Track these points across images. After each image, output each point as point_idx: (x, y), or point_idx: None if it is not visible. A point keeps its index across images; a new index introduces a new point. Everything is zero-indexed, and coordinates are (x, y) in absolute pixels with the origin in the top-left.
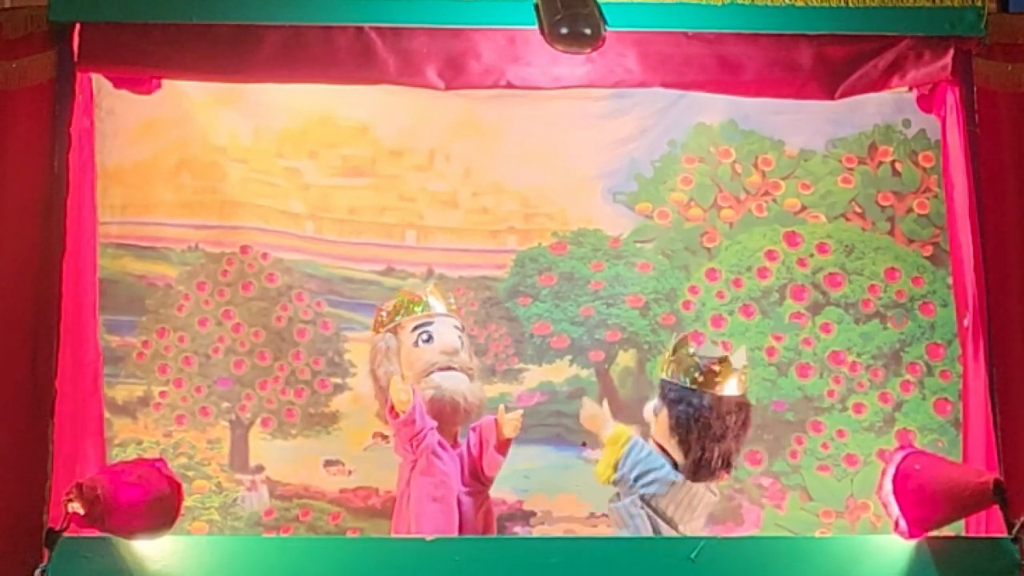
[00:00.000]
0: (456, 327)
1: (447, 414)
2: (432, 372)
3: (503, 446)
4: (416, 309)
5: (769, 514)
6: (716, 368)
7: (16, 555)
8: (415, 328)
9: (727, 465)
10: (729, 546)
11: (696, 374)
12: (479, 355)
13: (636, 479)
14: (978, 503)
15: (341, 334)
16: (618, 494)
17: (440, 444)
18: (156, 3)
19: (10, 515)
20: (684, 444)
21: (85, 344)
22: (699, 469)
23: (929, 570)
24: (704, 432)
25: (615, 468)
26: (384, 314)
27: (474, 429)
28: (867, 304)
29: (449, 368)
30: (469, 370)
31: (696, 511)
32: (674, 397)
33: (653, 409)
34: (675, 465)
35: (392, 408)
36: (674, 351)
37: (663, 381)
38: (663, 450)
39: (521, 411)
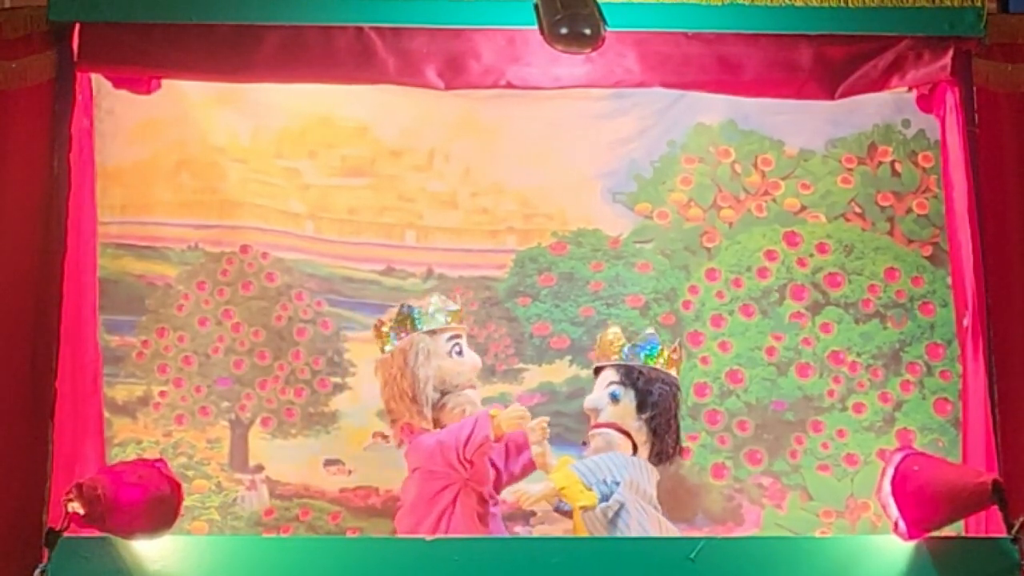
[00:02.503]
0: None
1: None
2: (464, 388)
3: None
4: (452, 317)
5: (769, 514)
6: (675, 353)
7: (16, 555)
8: (450, 338)
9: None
10: (729, 546)
11: (659, 357)
12: (479, 355)
13: (609, 477)
14: (977, 504)
15: (341, 334)
16: (604, 508)
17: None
18: (156, 3)
19: (10, 515)
20: (655, 423)
21: (85, 344)
22: (665, 448)
23: (929, 571)
24: (676, 411)
25: (589, 487)
26: (420, 312)
27: (502, 442)
28: (867, 304)
29: (472, 387)
30: None
31: (652, 483)
32: (650, 377)
33: (612, 395)
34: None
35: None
36: (611, 336)
37: (628, 365)
38: (620, 431)
39: (547, 419)
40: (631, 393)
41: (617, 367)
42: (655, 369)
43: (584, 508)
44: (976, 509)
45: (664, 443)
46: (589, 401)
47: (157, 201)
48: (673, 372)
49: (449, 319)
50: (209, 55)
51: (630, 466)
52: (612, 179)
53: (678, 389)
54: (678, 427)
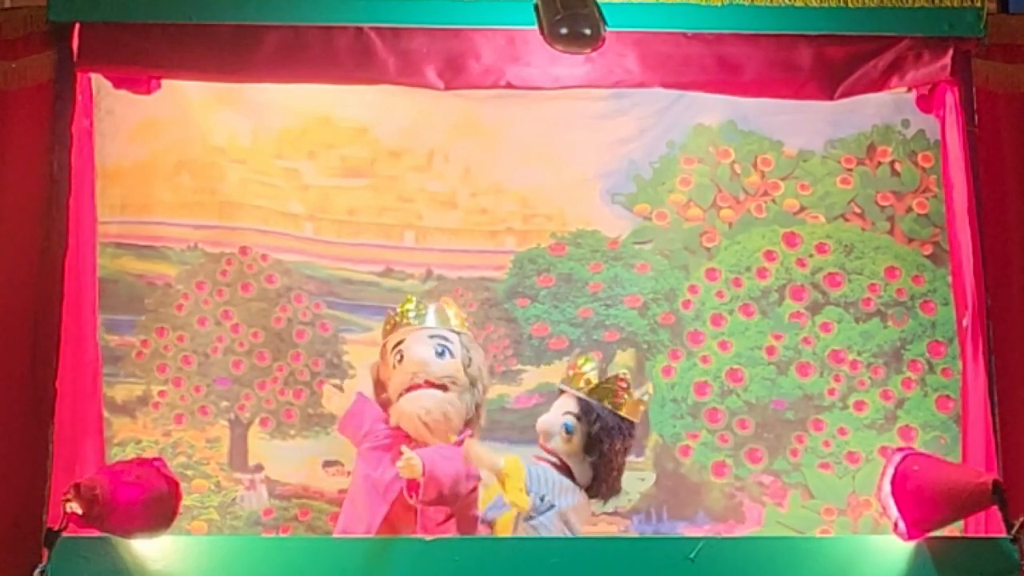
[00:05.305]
0: (436, 337)
1: (416, 434)
2: (402, 394)
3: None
4: (409, 316)
5: (771, 512)
6: (639, 401)
7: (16, 555)
8: (394, 348)
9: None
10: (729, 546)
11: (620, 402)
12: None
13: (549, 497)
14: (977, 504)
15: (340, 335)
16: (530, 515)
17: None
18: (156, 3)
19: (10, 515)
20: (598, 465)
21: (85, 344)
22: (600, 490)
23: (929, 570)
24: (623, 456)
25: (528, 491)
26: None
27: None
28: (867, 303)
29: (413, 387)
30: (446, 379)
31: (584, 520)
32: (605, 425)
33: (565, 426)
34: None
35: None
36: (583, 375)
37: (588, 402)
38: (563, 466)
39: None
40: (583, 432)
41: (579, 400)
42: (615, 414)
43: (514, 505)
44: (976, 509)
45: (600, 487)
46: (543, 421)
47: (157, 201)
48: (635, 418)
49: (395, 323)
50: (209, 55)
51: (570, 496)
52: (611, 180)
53: (631, 436)
54: (620, 473)
